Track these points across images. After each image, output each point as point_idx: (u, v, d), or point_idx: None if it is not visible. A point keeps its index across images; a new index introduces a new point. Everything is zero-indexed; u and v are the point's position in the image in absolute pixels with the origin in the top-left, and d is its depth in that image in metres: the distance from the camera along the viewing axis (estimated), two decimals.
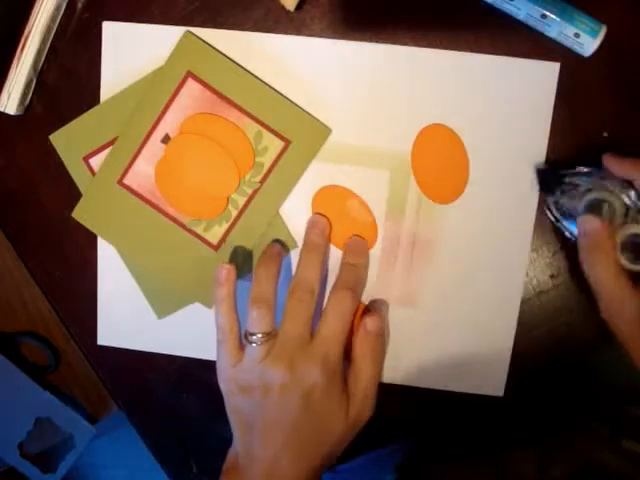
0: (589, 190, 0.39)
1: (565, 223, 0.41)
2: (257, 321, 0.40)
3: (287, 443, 0.39)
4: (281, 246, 0.44)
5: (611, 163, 0.38)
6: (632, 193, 0.38)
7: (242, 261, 0.46)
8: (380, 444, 0.49)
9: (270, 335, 0.40)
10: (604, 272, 0.37)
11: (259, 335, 0.40)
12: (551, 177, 0.41)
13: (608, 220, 0.38)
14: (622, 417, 0.46)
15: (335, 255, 0.45)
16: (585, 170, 0.40)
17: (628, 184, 0.38)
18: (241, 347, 0.41)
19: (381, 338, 0.43)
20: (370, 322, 0.42)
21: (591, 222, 0.37)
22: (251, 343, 0.40)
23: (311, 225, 0.44)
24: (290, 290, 0.41)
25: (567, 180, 0.40)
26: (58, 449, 0.53)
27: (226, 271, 0.41)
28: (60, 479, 0.53)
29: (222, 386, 0.42)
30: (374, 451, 0.49)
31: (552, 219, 0.42)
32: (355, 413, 0.41)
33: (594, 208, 0.38)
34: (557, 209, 0.41)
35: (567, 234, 0.41)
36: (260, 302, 0.40)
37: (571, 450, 0.46)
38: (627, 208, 0.38)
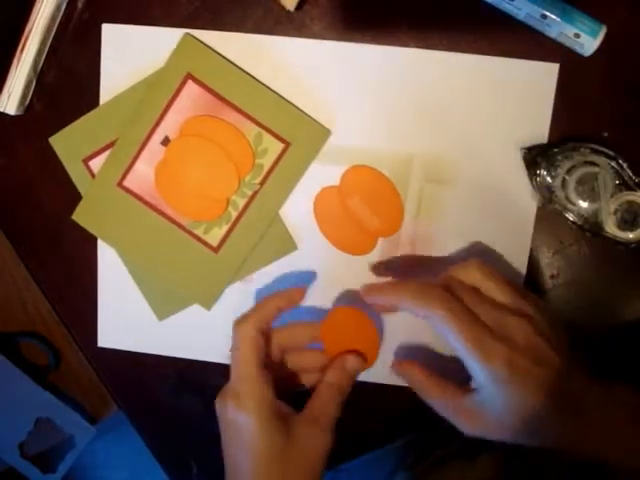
0: (574, 166, 0.40)
1: (560, 198, 0.42)
2: None
3: None
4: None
5: (371, 294, 0.39)
6: (620, 162, 0.40)
7: (242, 262, 0.46)
8: (380, 444, 0.49)
9: None
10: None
11: None
12: (536, 152, 0.42)
13: (601, 191, 0.40)
14: None
15: (335, 255, 0.45)
16: (570, 145, 0.41)
17: (613, 156, 0.40)
18: None
19: (352, 380, 0.40)
20: (351, 360, 0.40)
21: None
22: None
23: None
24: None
25: (553, 152, 0.41)
26: (58, 449, 0.53)
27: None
28: (60, 479, 0.53)
29: None
30: (374, 451, 0.49)
31: (542, 200, 0.42)
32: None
33: (584, 181, 0.40)
34: (546, 188, 0.42)
35: (558, 208, 0.42)
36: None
37: None
38: (619, 176, 0.40)
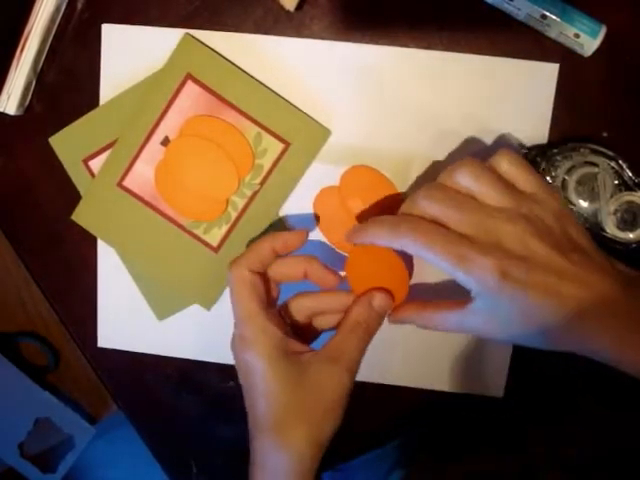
0: (574, 167, 0.40)
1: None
2: None
3: None
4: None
5: (352, 235, 0.37)
6: (620, 162, 0.40)
7: None
8: (380, 444, 0.49)
9: None
10: None
11: None
12: (536, 152, 0.42)
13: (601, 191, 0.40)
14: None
15: (335, 255, 0.45)
16: (570, 145, 0.41)
17: (612, 156, 0.40)
18: None
19: (380, 320, 0.38)
20: (380, 298, 0.37)
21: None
22: None
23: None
24: None
25: (553, 152, 0.41)
26: (58, 449, 0.53)
27: None
28: (60, 479, 0.53)
29: None
30: (374, 450, 0.49)
31: None
32: None
33: (584, 182, 0.40)
34: None
35: None
36: None
37: (580, 434, 0.46)
38: (619, 176, 0.40)
